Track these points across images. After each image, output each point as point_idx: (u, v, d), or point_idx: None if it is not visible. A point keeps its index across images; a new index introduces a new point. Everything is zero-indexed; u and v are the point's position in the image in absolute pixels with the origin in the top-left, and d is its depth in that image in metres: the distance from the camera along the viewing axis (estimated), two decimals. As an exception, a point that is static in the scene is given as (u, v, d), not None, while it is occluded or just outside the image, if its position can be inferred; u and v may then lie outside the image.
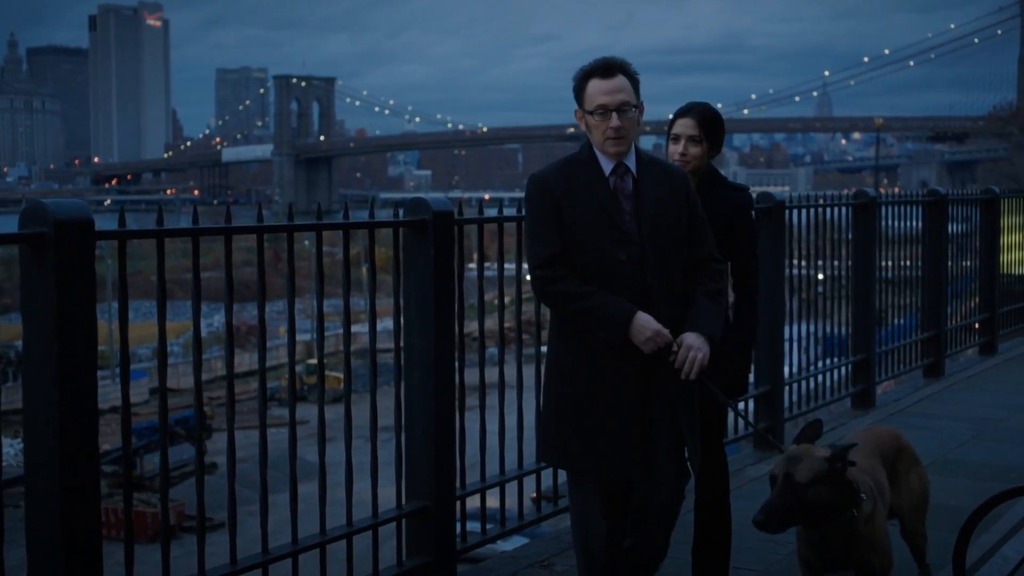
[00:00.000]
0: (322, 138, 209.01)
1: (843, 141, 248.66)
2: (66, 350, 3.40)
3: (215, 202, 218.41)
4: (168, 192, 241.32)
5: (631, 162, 3.99)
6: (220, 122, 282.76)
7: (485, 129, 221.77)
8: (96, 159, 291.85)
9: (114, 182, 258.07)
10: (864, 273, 8.67)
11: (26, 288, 3.43)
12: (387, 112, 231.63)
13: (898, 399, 9.06)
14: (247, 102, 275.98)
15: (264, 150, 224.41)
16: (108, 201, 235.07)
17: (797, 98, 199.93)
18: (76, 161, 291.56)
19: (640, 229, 3.93)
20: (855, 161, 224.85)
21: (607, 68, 3.97)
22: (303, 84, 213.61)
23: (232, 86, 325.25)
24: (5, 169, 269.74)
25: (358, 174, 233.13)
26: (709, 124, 4.59)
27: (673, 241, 3.96)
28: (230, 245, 4.01)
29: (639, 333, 3.85)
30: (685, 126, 4.58)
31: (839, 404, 8.64)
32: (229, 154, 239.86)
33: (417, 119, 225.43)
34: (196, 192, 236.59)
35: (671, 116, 4.64)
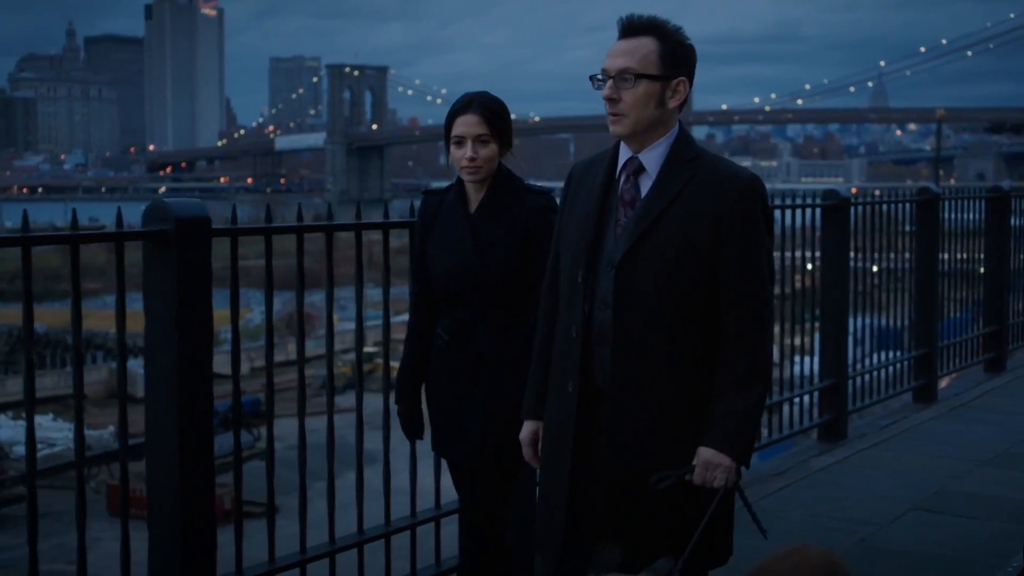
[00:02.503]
0: (374, 127, 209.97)
1: (898, 132, 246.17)
2: (185, 339, 3.64)
3: (268, 190, 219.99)
4: (222, 180, 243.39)
5: (652, 158, 3.07)
6: (273, 110, 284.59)
7: (537, 119, 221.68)
8: (151, 147, 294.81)
9: (168, 170, 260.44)
10: (927, 268, 8.77)
11: (148, 281, 3.67)
12: (439, 101, 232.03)
13: (959, 393, 9.16)
14: (300, 91, 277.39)
15: (317, 138, 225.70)
16: (163, 188, 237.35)
17: (852, 88, 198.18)
18: (132, 149, 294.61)
19: (620, 246, 3.06)
20: (911, 152, 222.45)
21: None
22: (356, 73, 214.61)
23: (285, 75, 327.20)
24: (62, 156, 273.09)
25: (410, 162, 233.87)
26: (496, 118, 3.73)
27: (670, 273, 3.00)
28: (331, 241, 4.23)
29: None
30: (468, 124, 3.72)
31: (898, 399, 8.75)
32: (282, 142, 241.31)
33: None
34: (249, 180, 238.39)
35: (448, 115, 3.80)
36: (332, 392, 4.21)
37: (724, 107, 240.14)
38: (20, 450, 38.85)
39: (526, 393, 3.33)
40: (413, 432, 3.96)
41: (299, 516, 4.18)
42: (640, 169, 3.09)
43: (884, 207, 8.26)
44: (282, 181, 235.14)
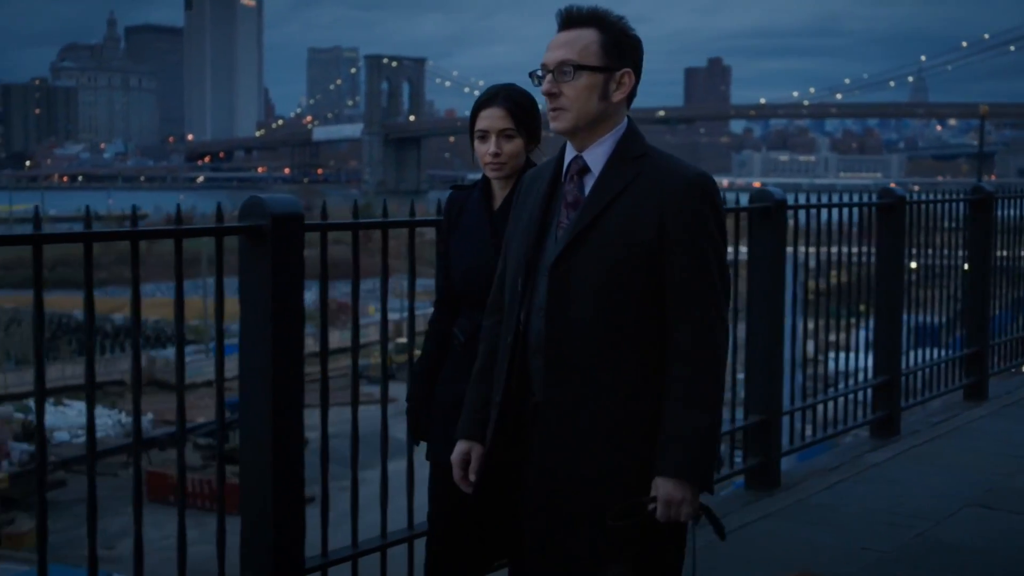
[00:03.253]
0: (412, 118, 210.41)
1: (938, 127, 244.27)
2: (279, 329, 3.78)
3: (305, 180, 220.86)
4: (259, 170, 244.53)
5: (596, 155, 2.88)
6: (311, 101, 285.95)
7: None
8: (190, 136, 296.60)
9: (206, 159, 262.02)
10: (979, 267, 8.81)
11: (244, 274, 3.81)
12: (476, 93, 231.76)
13: (1009, 391, 9.19)
14: (338, 81, 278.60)
15: (354, 129, 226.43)
16: (201, 178, 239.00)
17: (892, 83, 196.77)
18: (171, 138, 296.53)
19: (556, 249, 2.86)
20: (951, 148, 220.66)
21: None
22: (394, 64, 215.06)
23: (323, 65, 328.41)
24: (103, 145, 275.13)
25: (447, 154, 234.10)
26: (522, 112, 3.56)
27: (610, 278, 2.78)
28: (413, 236, 4.35)
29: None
30: (493, 118, 3.54)
31: (947, 396, 8.79)
32: (320, 133, 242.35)
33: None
34: (287, 170, 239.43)
35: (473, 108, 3.64)
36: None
37: (762, 101, 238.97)
38: (60, 436, 39.25)
39: (462, 411, 3.13)
40: (419, 434, 3.78)
41: (380, 503, 4.30)
42: (585, 168, 2.89)
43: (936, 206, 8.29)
44: (319, 172, 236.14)
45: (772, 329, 5.83)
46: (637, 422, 2.78)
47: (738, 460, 5.93)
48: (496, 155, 3.51)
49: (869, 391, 7.46)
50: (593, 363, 2.78)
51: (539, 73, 2.90)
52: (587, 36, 2.85)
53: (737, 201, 5.78)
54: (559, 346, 2.81)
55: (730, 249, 5.66)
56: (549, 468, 2.84)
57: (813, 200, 6.42)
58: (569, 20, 2.89)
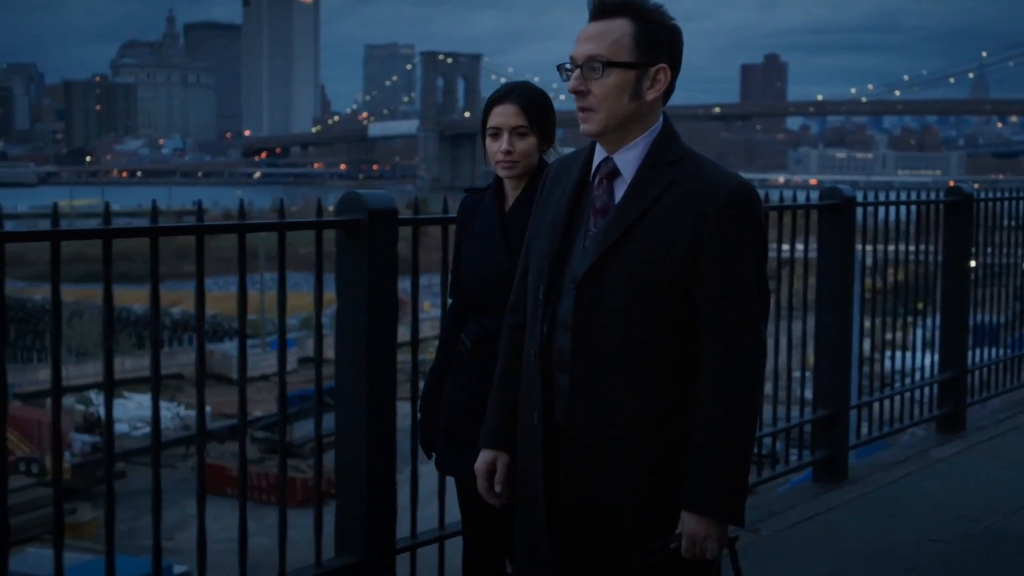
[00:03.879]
0: (467, 114, 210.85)
1: (999, 124, 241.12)
2: (375, 320, 3.93)
3: (361, 176, 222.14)
4: (315, 166, 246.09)
5: (627, 159, 2.66)
6: (367, 97, 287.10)
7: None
8: (247, 132, 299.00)
9: (263, 155, 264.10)
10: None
11: (341, 267, 3.97)
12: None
13: (1074, 389, 9.20)
14: (394, 78, 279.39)
15: (410, 126, 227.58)
16: (258, 174, 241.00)
17: (952, 79, 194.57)
18: (228, 134, 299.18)
19: (584, 262, 2.65)
20: (1012, 145, 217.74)
21: None
22: (449, 61, 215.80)
23: (379, 62, 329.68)
24: (161, 141, 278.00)
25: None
26: (536, 108, 3.43)
27: (640, 295, 2.58)
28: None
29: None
30: (505, 115, 3.42)
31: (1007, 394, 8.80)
32: (376, 129, 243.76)
33: (562, 97, 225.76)
34: (343, 166, 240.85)
35: (485, 105, 3.53)
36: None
37: (819, 97, 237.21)
38: (121, 428, 39.78)
39: (485, 418, 2.95)
40: (428, 446, 3.67)
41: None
42: (615, 172, 2.66)
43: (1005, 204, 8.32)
44: (375, 168, 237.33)
45: (840, 325, 5.93)
46: (669, 447, 2.59)
47: (793, 456, 6.00)
48: (508, 153, 3.39)
49: (934, 387, 7.52)
50: (622, 384, 2.58)
51: (567, 67, 2.66)
52: (619, 28, 2.59)
53: (808, 198, 5.88)
54: (587, 366, 2.61)
55: (797, 247, 5.78)
56: (574, 492, 2.65)
57: (880, 197, 6.50)
58: (601, 9, 2.63)
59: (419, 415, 3.67)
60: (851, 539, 5.20)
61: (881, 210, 6.51)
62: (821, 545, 5.10)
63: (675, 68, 2.65)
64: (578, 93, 2.62)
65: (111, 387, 3.54)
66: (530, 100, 3.43)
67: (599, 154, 2.69)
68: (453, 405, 3.50)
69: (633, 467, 2.60)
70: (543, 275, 2.69)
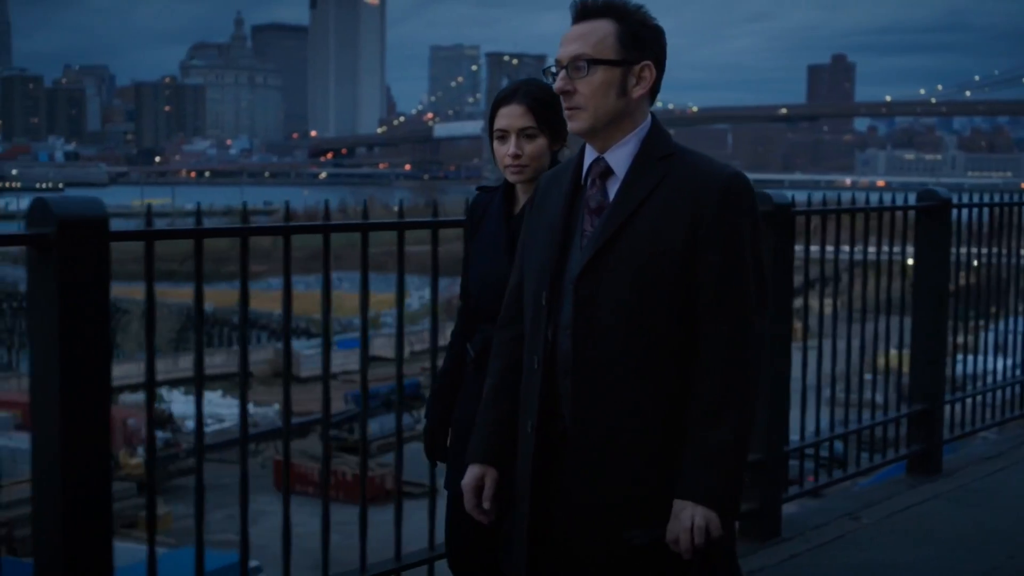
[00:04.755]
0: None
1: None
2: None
3: (426, 177, 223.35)
4: (380, 166, 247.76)
5: (619, 157, 2.64)
6: (432, 98, 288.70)
7: (695, 109, 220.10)
8: (313, 133, 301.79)
9: (329, 155, 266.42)
10: None
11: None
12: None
13: None
14: (459, 78, 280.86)
15: (475, 126, 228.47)
16: (324, 174, 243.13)
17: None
18: (294, 135, 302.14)
19: (581, 260, 2.63)
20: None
21: None
22: (515, 61, 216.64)
23: (445, 63, 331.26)
24: (229, 142, 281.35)
25: (566, 150, 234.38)
26: (545, 107, 3.21)
27: (639, 290, 2.55)
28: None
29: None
30: (512, 116, 3.22)
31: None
32: (441, 130, 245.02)
33: None
34: (408, 167, 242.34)
35: (491, 106, 3.35)
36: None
37: (888, 98, 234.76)
38: (191, 424, 40.27)
39: (473, 434, 2.88)
40: (434, 455, 3.48)
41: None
42: (607, 171, 2.64)
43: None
44: (439, 168, 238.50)
45: (937, 323, 6.03)
46: (675, 443, 2.55)
47: (864, 457, 6.07)
48: (516, 156, 3.18)
49: (1014, 387, 7.58)
50: (625, 383, 2.55)
51: (553, 70, 2.66)
52: (602, 28, 2.60)
53: (893, 200, 5.98)
54: (588, 366, 2.58)
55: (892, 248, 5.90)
56: (580, 494, 2.61)
57: (974, 200, 6.58)
58: (584, 11, 2.64)
59: (424, 422, 3.48)
60: (948, 528, 5.31)
61: (974, 211, 6.59)
62: (920, 533, 5.23)
63: (660, 66, 2.66)
64: (565, 93, 2.63)
65: (201, 383, 3.52)
66: (537, 99, 3.21)
67: (590, 155, 2.68)
68: (458, 422, 3.31)
69: (638, 464, 2.57)
70: (544, 281, 2.65)
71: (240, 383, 3.54)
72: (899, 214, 5.83)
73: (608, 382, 2.56)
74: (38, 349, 2.94)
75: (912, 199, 5.96)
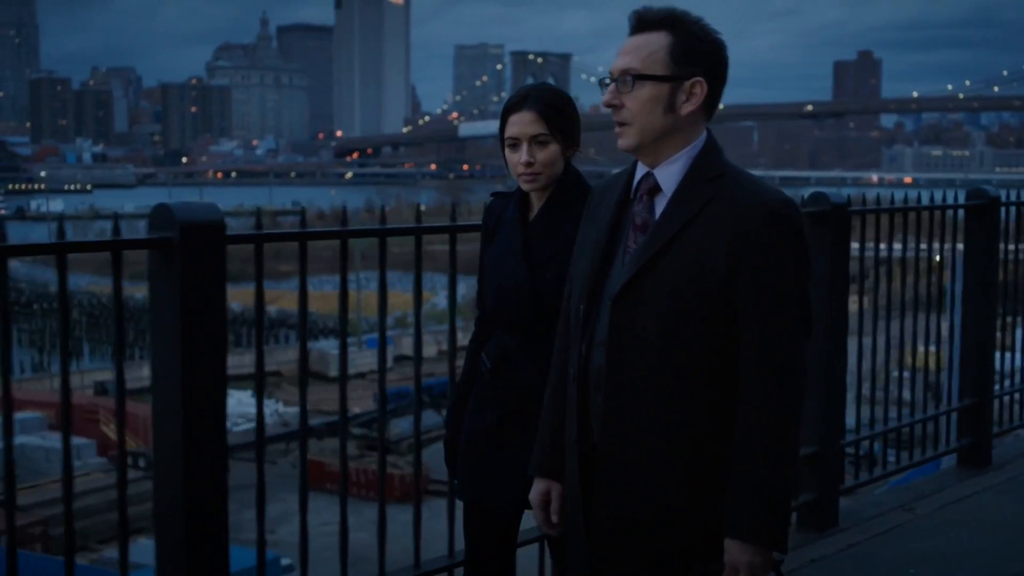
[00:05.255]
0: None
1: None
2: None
3: (451, 176, 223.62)
4: (406, 166, 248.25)
5: (668, 174, 2.59)
6: (457, 97, 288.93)
7: (721, 106, 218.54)
8: (339, 133, 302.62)
9: (355, 155, 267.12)
10: None
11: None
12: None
13: None
14: (484, 78, 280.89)
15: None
16: (349, 174, 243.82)
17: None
18: (320, 135, 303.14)
19: (621, 277, 2.59)
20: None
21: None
22: (539, 60, 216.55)
23: (469, 62, 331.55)
24: (255, 142, 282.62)
25: (591, 149, 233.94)
26: (556, 113, 3.15)
27: (677, 312, 2.51)
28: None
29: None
30: (523, 123, 3.15)
31: None
32: (466, 129, 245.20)
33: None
34: (433, 166, 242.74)
35: (502, 113, 3.26)
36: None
37: (915, 94, 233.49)
38: (229, 424, 40.54)
39: (535, 446, 2.87)
40: (454, 467, 3.42)
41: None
42: (655, 188, 2.59)
43: None
44: (464, 167, 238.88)
45: (985, 320, 6.11)
46: (706, 466, 2.53)
47: (891, 457, 6.15)
48: (529, 164, 3.12)
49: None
50: (658, 402, 2.52)
51: (606, 81, 2.61)
52: (656, 41, 2.54)
53: (944, 198, 6.06)
54: (620, 384, 2.55)
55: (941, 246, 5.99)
56: (610, 512, 2.60)
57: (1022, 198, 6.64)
58: (640, 23, 2.57)
59: (445, 432, 3.42)
60: (1000, 519, 5.39)
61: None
62: (973, 524, 5.33)
63: (715, 81, 2.57)
64: (612, 107, 2.57)
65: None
66: (548, 104, 3.14)
67: (640, 169, 2.63)
68: (471, 431, 3.28)
69: (668, 486, 2.54)
70: (583, 294, 2.64)
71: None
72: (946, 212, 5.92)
73: (639, 401, 2.54)
74: (160, 343, 3.14)
75: (958, 197, 6.05)
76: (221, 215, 3.16)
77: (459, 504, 3.49)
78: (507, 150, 3.18)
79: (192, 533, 3.19)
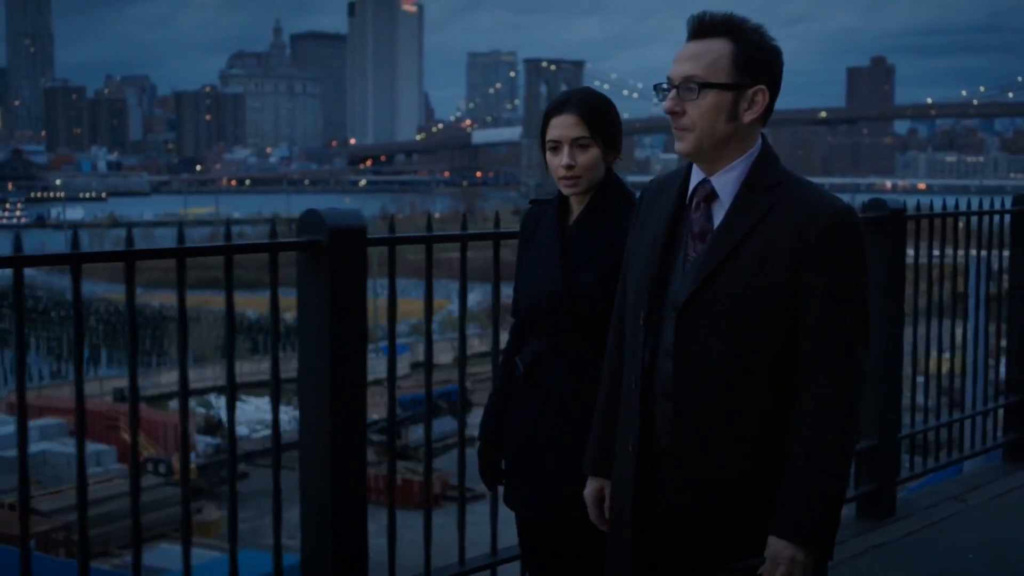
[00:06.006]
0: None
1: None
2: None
3: (464, 183, 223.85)
4: (420, 173, 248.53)
5: (725, 182, 2.59)
6: (470, 105, 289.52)
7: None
8: (352, 140, 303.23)
9: (368, 163, 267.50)
10: None
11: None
12: (635, 95, 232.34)
13: None
14: (497, 85, 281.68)
15: (513, 132, 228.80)
16: (363, 182, 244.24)
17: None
18: (333, 143, 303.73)
19: (686, 288, 2.59)
20: None
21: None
22: (552, 67, 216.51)
23: (482, 69, 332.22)
24: (268, 150, 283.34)
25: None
26: (598, 116, 3.16)
27: (741, 322, 2.53)
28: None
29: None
30: (565, 126, 3.16)
31: None
32: (479, 136, 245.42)
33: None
34: (446, 174, 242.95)
35: (543, 116, 3.27)
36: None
37: (928, 100, 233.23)
38: (240, 430, 40.75)
39: (588, 445, 2.90)
40: (488, 477, 3.42)
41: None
42: (712, 195, 2.59)
43: None
44: (478, 175, 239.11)
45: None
46: (768, 473, 2.55)
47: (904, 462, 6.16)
48: (570, 167, 3.12)
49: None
50: (723, 410, 2.55)
51: (664, 87, 2.60)
52: (718, 48, 2.54)
53: (1002, 203, 6.13)
54: (689, 392, 2.57)
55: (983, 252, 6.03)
56: (673, 517, 2.62)
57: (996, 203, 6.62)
58: (700, 29, 2.57)
59: (478, 442, 3.41)
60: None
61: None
62: (1022, 513, 5.54)
63: (774, 90, 2.59)
64: (673, 114, 2.57)
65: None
66: (591, 108, 3.15)
67: (696, 176, 2.63)
68: (514, 436, 3.28)
69: (733, 490, 2.57)
70: (643, 301, 2.64)
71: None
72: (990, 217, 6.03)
73: (709, 412, 2.55)
74: (307, 336, 3.48)
75: (1005, 203, 6.18)
76: (364, 220, 3.49)
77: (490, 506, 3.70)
78: (548, 153, 3.19)
79: (337, 504, 3.55)
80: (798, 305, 2.50)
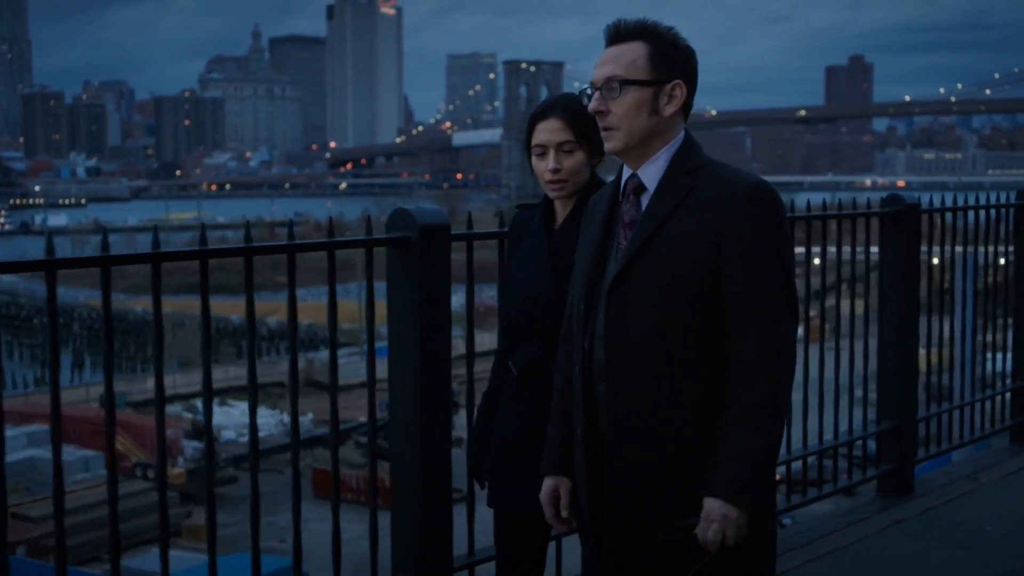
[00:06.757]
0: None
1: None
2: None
3: (445, 186, 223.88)
4: (402, 175, 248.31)
5: (651, 172, 2.73)
6: (451, 107, 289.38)
7: (714, 112, 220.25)
8: (332, 144, 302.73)
9: (349, 166, 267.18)
10: None
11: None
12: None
13: None
14: (477, 87, 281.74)
15: (493, 134, 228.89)
16: (344, 185, 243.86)
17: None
18: (314, 146, 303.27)
19: (612, 271, 2.72)
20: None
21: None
22: (532, 69, 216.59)
23: (462, 71, 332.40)
24: (248, 154, 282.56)
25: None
26: (583, 121, 3.18)
27: (667, 299, 2.62)
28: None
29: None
30: (550, 131, 3.22)
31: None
32: (459, 138, 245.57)
33: (713, 112, 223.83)
34: (427, 176, 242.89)
35: (528, 121, 3.33)
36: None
37: (907, 98, 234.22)
38: (227, 435, 40.65)
39: (545, 446, 2.97)
40: (481, 476, 3.45)
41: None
42: (640, 187, 2.73)
43: None
44: (459, 177, 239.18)
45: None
46: (706, 446, 2.62)
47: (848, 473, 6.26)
48: (556, 171, 3.19)
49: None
50: (655, 388, 2.63)
51: (588, 91, 2.76)
52: (634, 50, 2.70)
53: (999, 198, 6.26)
54: (619, 373, 2.66)
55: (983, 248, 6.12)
56: (622, 497, 2.70)
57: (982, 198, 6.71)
58: (616, 35, 2.75)
59: (469, 443, 3.48)
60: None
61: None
62: None
63: (690, 84, 2.74)
64: (599, 114, 2.72)
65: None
66: (576, 113, 3.19)
67: (626, 172, 2.77)
68: (500, 438, 3.32)
69: (673, 467, 2.65)
70: (582, 294, 2.77)
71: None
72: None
73: (639, 390, 2.64)
74: (397, 324, 3.68)
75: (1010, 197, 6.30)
76: (447, 218, 3.71)
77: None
78: (534, 158, 3.25)
79: (426, 481, 3.75)
80: (721, 280, 2.60)
